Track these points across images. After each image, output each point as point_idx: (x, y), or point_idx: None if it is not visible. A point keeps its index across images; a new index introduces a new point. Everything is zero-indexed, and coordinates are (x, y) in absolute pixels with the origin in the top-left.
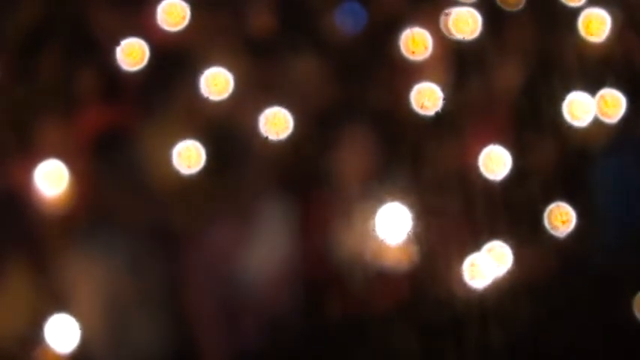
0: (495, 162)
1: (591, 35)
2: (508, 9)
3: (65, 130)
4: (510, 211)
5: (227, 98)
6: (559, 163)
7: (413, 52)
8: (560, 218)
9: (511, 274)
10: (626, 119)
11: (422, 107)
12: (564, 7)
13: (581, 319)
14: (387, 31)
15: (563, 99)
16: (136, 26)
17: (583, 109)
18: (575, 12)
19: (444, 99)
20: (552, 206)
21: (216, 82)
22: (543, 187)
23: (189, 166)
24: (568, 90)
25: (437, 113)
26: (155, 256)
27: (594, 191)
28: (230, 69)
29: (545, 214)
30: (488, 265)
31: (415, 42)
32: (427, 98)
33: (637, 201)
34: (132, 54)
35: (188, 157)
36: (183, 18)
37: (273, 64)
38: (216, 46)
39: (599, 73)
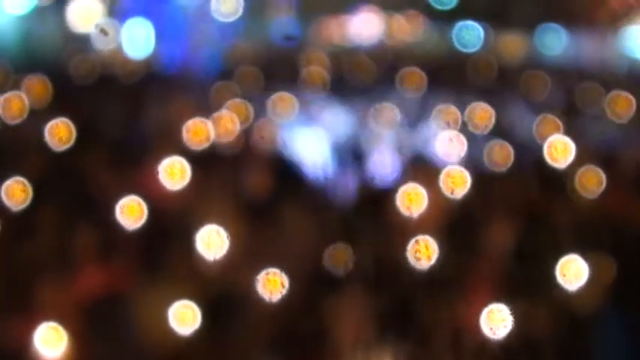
0: (496, 321)
1: (585, 192)
2: (496, 169)
3: (64, 292)
4: None
5: (223, 258)
6: (554, 326)
7: (408, 208)
8: None
9: None
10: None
11: None
12: (552, 168)
13: None
14: (381, 189)
15: (555, 261)
16: (135, 185)
17: (576, 271)
18: (564, 172)
19: (439, 257)
20: None
21: (212, 242)
22: (541, 350)
23: (184, 327)
24: (560, 252)
25: (431, 273)
26: None
27: (591, 353)
28: (226, 229)
29: None
30: None
31: (410, 199)
32: (422, 251)
33: None
34: (130, 213)
35: (184, 318)
36: (184, 176)
37: (269, 225)
38: (214, 205)
39: (592, 235)
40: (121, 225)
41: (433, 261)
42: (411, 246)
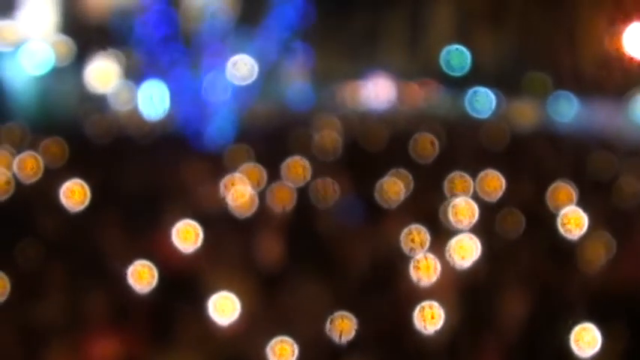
0: None
1: (592, 263)
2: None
3: (73, 356)
4: None
5: (234, 324)
6: None
7: (421, 278)
8: None
9: None
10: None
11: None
12: (564, 237)
13: None
14: (393, 258)
15: (568, 329)
16: (147, 248)
17: (588, 339)
18: (575, 242)
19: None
20: None
21: (224, 308)
22: None
23: None
24: (573, 321)
25: (441, 341)
26: None
27: None
28: (238, 295)
29: None
30: None
31: (423, 268)
32: (429, 320)
33: None
34: (141, 277)
35: None
36: (196, 240)
37: (281, 293)
38: (226, 271)
39: (603, 304)
40: (132, 289)
41: (439, 326)
42: (417, 312)
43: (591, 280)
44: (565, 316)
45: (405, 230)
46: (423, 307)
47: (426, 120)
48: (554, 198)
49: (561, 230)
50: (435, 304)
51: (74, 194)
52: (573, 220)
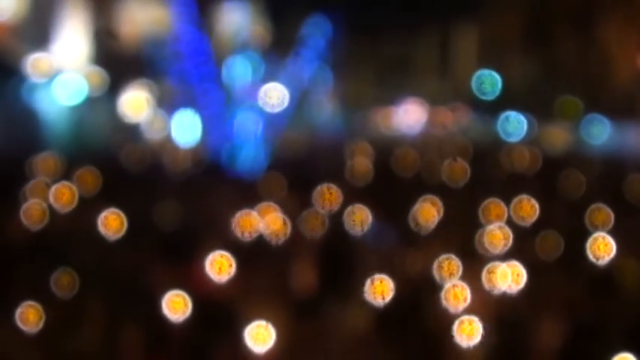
0: None
1: (630, 289)
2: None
3: None
4: None
5: (269, 353)
6: None
7: (452, 306)
8: None
9: None
10: None
11: None
12: (599, 263)
13: None
14: (426, 287)
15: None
16: (181, 277)
17: None
18: (611, 267)
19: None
20: None
21: (259, 337)
22: None
23: None
24: (611, 352)
25: None
26: None
27: None
28: (273, 323)
29: None
30: None
31: (454, 296)
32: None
33: None
34: (176, 307)
35: None
36: (231, 270)
37: (315, 321)
38: (260, 300)
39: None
40: (168, 319)
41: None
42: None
43: (630, 308)
44: (603, 346)
45: (437, 259)
46: (462, 322)
47: (457, 145)
48: (589, 222)
49: (590, 255)
50: (475, 319)
51: (111, 223)
52: (602, 246)
